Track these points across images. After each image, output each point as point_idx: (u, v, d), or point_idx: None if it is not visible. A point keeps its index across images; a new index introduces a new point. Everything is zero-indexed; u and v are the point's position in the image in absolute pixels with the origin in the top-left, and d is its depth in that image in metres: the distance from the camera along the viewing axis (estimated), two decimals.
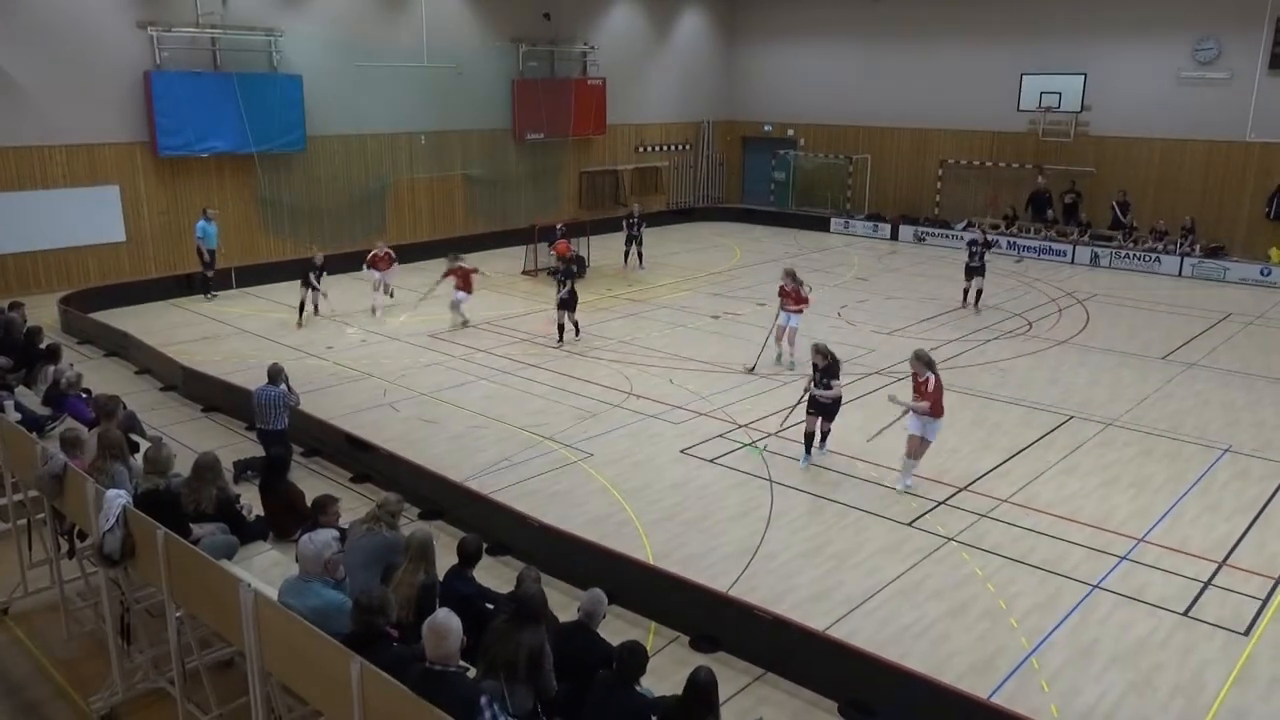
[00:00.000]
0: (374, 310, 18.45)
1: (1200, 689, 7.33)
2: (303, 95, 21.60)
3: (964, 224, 27.66)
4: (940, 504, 10.47)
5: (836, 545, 9.48)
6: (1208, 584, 8.87)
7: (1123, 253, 24.36)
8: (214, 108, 20.30)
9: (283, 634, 5.31)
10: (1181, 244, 23.96)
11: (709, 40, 32.02)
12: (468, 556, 6.52)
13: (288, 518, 7.64)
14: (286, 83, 21.36)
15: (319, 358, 15.63)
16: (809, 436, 11.50)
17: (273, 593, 5.68)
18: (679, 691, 5.39)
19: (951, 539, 9.63)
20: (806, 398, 11.56)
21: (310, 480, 10.38)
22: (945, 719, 6.70)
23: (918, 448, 10.70)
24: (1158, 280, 23.05)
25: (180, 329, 17.34)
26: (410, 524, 8.42)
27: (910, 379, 10.95)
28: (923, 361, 10.63)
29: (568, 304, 16.41)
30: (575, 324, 16.64)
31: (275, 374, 10.38)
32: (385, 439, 11.64)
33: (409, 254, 23.51)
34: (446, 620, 4.83)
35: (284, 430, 10.34)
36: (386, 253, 18.95)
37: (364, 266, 19.20)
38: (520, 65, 26.21)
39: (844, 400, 11.79)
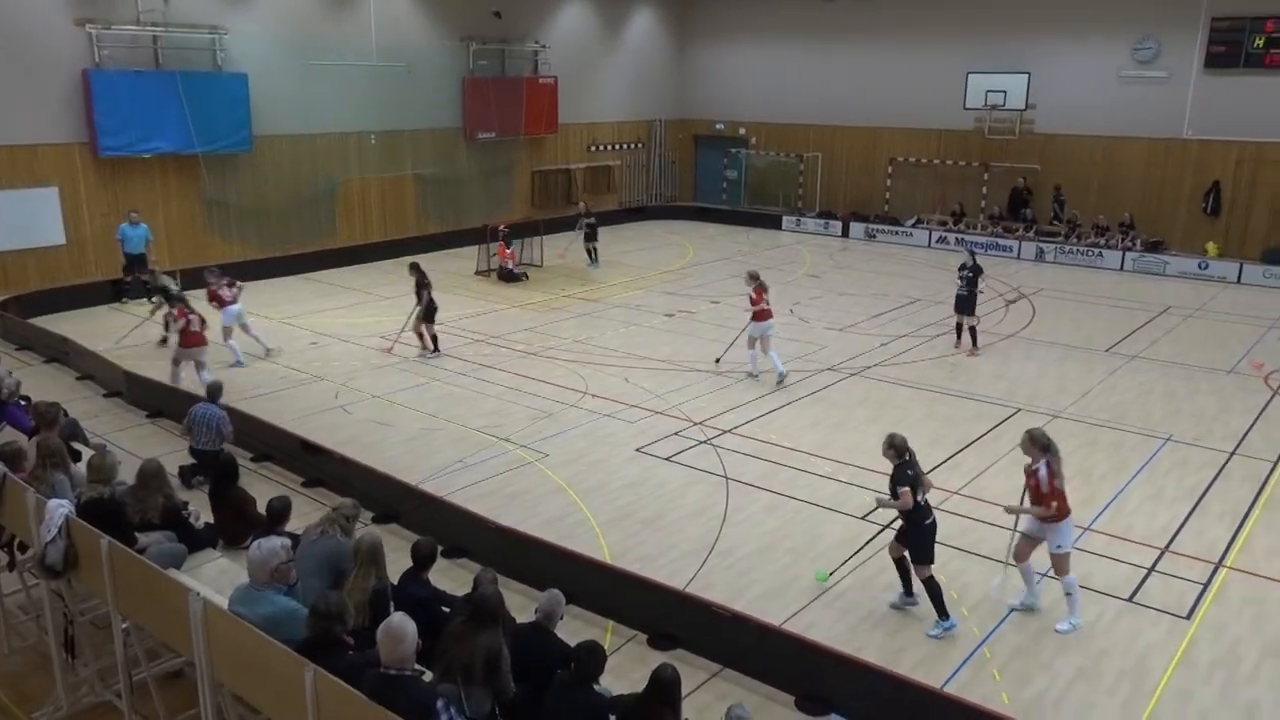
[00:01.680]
0: (266, 351, 15.58)
1: (1145, 673, 7.51)
2: (248, 94, 21.22)
3: (913, 220, 28.06)
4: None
5: (792, 540, 9.56)
6: (1151, 570, 9.10)
7: (1067, 248, 24.88)
8: (156, 107, 19.85)
9: (234, 643, 5.23)
10: (1123, 239, 24.55)
11: (660, 39, 32.08)
12: (422, 559, 6.48)
13: (239, 524, 7.54)
14: (231, 81, 20.98)
15: (268, 361, 15.39)
16: (899, 564, 8.41)
17: (223, 601, 5.59)
18: (638, 690, 5.41)
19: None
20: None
21: (261, 486, 10.21)
22: (900, 709, 6.80)
23: (1025, 550, 8.25)
24: (1101, 274, 23.57)
25: (123, 333, 16.96)
26: (365, 528, 8.34)
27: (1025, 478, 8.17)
28: (1038, 445, 7.98)
29: (428, 314, 15.54)
30: (434, 337, 15.63)
31: (213, 392, 10.19)
32: (338, 442, 11.51)
33: (361, 255, 23.35)
34: (402, 624, 4.80)
35: (218, 453, 9.91)
36: (228, 281, 15.36)
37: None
38: (471, 64, 26.03)
39: (806, 396, 11.83)
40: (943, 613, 7.94)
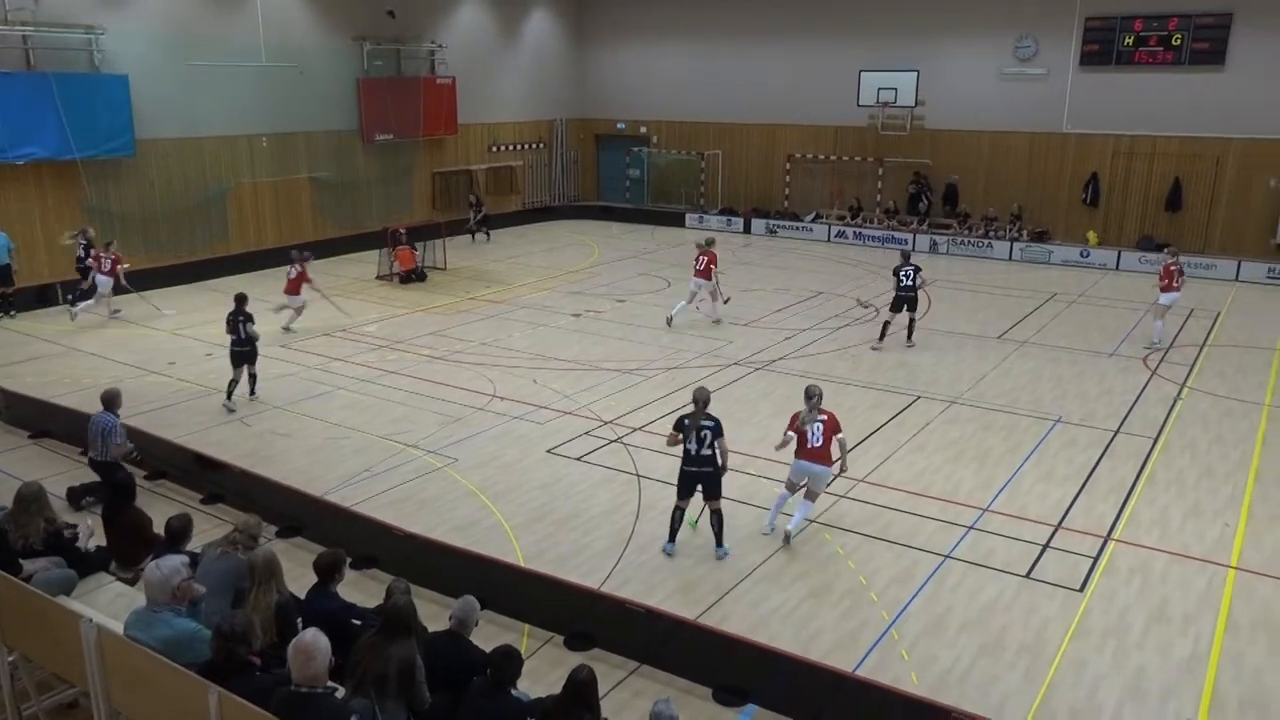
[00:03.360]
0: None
1: (1043, 645, 7.85)
2: (130, 97, 20.33)
3: (812, 216, 28.66)
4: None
5: (704, 535, 9.66)
6: (1046, 546, 9.51)
7: (959, 239, 25.78)
8: (30, 111, 18.82)
9: (131, 669, 5.02)
10: (1010, 229, 25.57)
11: (559, 38, 31.99)
12: (326, 572, 6.32)
13: (135, 546, 7.24)
14: (111, 83, 20.06)
15: (160, 374, 14.80)
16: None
17: (118, 626, 5.36)
18: (556, 692, 5.39)
19: (813, 521, 9.97)
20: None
21: (158, 505, 9.81)
22: (814, 695, 6.94)
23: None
24: (991, 264, 24.50)
25: (2, 350, 16.10)
26: (269, 543, 8.11)
27: None
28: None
29: (246, 356, 13.25)
30: (253, 377, 13.48)
31: (109, 400, 9.76)
32: (237, 456, 11.15)
33: (256, 261, 22.63)
34: (314, 640, 4.68)
35: (114, 466, 9.47)
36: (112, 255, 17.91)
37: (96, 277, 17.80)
38: (365, 64, 25.49)
39: (713, 391, 11.94)
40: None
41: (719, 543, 9.24)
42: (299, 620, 5.93)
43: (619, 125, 32.61)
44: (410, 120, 26.41)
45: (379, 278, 21.89)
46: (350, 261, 23.57)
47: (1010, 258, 24.98)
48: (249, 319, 13.15)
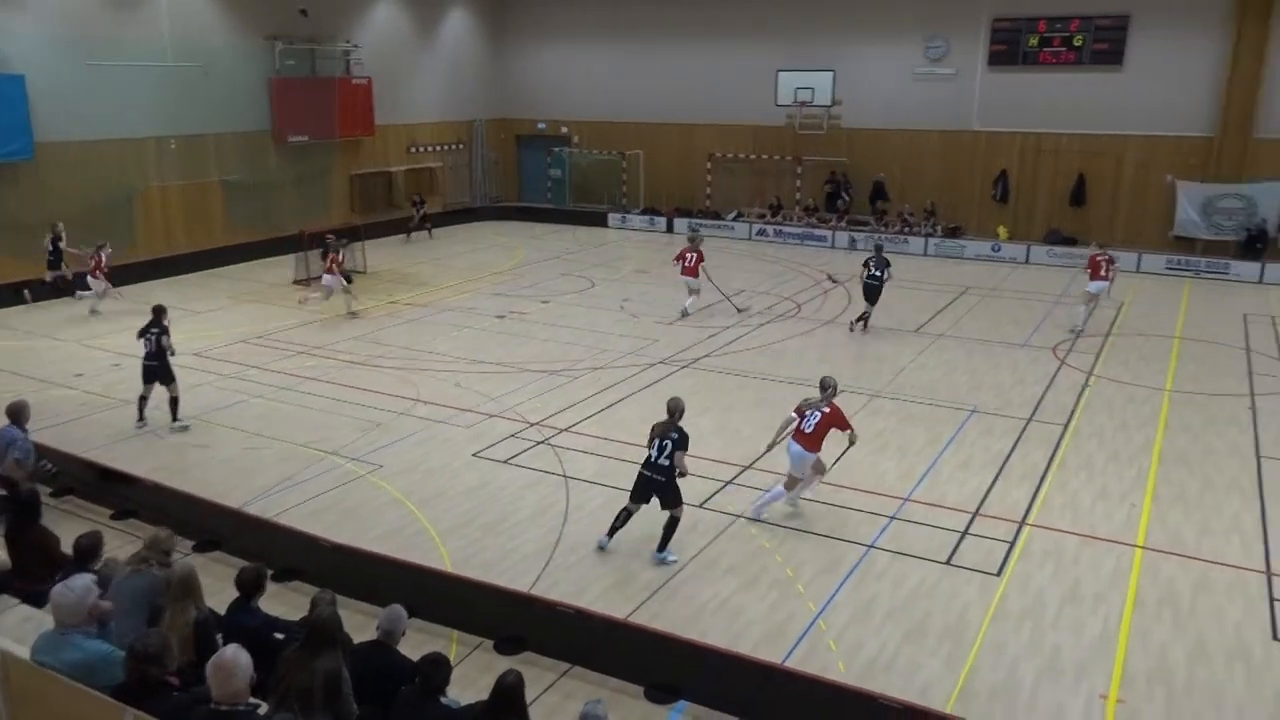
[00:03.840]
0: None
1: (964, 629, 8.07)
2: (26, 98, 19.49)
3: (734, 214, 28.95)
4: (728, 483, 10.93)
5: (633, 533, 9.67)
6: (964, 533, 9.78)
7: (876, 235, 26.32)
8: None
9: (39, 695, 4.83)
10: (924, 225, 26.22)
11: (476, 38, 31.69)
12: (247, 587, 6.17)
13: (42, 567, 6.94)
14: (5, 84, 19.19)
15: (67, 387, 14.23)
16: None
17: (24, 651, 5.13)
18: (487, 698, 5.35)
19: (740, 516, 10.08)
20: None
21: (65, 523, 9.41)
22: (744, 688, 7.02)
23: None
24: (907, 259, 25.03)
25: None
26: (184, 557, 7.87)
27: None
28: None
29: (157, 372, 12.35)
30: (173, 401, 12.48)
31: (14, 413, 9.34)
32: (149, 470, 10.79)
33: (165, 268, 21.92)
34: (234, 657, 4.56)
35: (15, 483, 9.14)
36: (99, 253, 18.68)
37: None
38: (277, 64, 24.86)
39: (640, 390, 12.00)
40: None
41: (661, 547, 9.15)
42: (219, 637, 5.77)
43: (539, 125, 32.47)
44: (325, 121, 25.86)
45: (296, 282, 21.39)
46: (265, 266, 23.00)
47: (925, 253, 25.61)
48: (164, 331, 12.44)
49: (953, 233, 26.01)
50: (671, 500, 9.07)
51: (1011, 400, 13.86)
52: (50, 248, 19.11)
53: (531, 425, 12.72)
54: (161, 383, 12.53)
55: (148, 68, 21.77)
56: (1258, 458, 11.77)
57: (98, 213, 21.32)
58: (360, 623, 7.36)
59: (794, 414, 9.89)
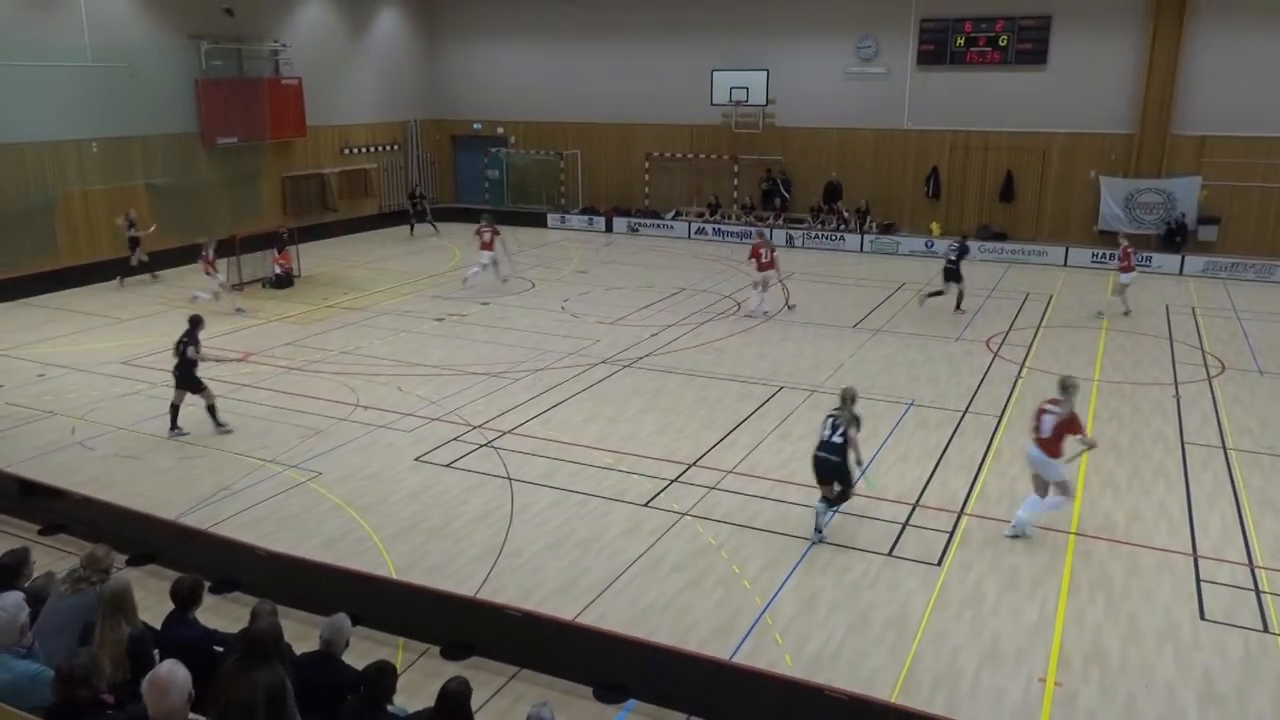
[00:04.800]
0: None
1: (907, 619, 8.22)
2: None
3: (673, 213, 29.07)
4: (673, 481, 10.97)
5: (579, 534, 9.68)
6: (906, 525, 9.95)
7: (814, 233, 26.66)
8: None
9: None
10: (857, 223, 26.62)
11: (409, 38, 31.31)
12: (183, 599, 6.00)
13: None
14: None
15: None
16: None
17: None
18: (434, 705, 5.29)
19: (686, 514, 10.13)
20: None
21: None
22: (693, 686, 7.05)
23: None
24: (844, 256, 25.45)
25: None
26: (119, 572, 7.64)
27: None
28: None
29: (182, 380, 12.18)
30: (210, 410, 12.33)
31: None
32: (79, 483, 10.45)
33: (90, 275, 21.27)
34: (170, 673, 4.43)
35: None
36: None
37: None
38: (204, 64, 24.25)
39: (582, 390, 11.98)
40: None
41: (820, 528, 9.50)
42: (155, 652, 5.60)
43: (475, 126, 32.20)
44: (255, 122, 25.30)
45: (232, 287, 20.86)
46: (196, 271, 22.36)
47: (861, 250, 26.01)
48: (190, 341, 12.09)
49: (887, 229, 26.46)
50: (845, 479, 9.48)
51: (948, 393, 14.14)
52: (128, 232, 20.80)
53: (474, 428, 12.62)
54: (191, 391, 12.24)
55: (66, 68, 21.07)
56: (1182, 444, 12.19)
57: (14, 219, 20.57)
58: (303, 633, 7.21)
59: (1033, 418, 9.74)
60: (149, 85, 22.82)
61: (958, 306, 18.92)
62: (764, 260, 18.22)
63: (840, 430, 9.39)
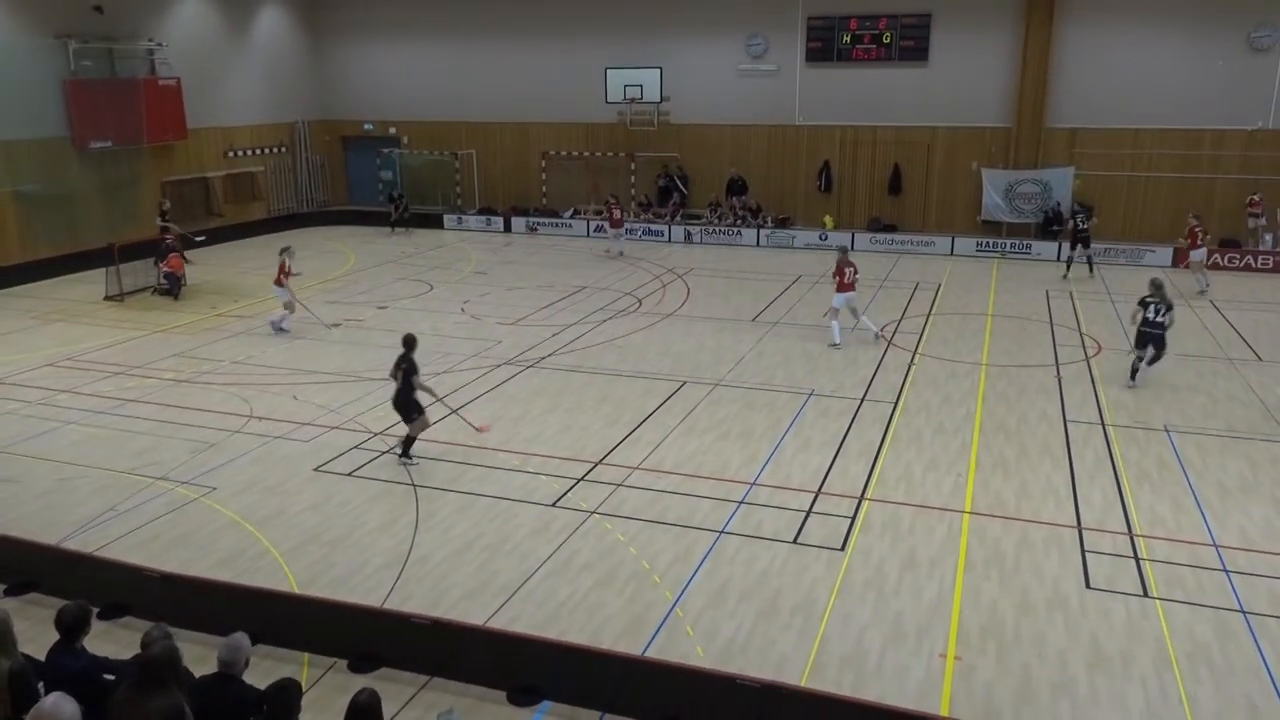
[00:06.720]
0: None
1: (813, 604, 8.40)
2: None
3: (570, 212, 29.02)
4: (580, 480, 10.96)
5: (487, 537, 9.58)
6: (809, 512, 10.17)
7: (711, 229, 26.98)
8: None
9: None
10: (754, 218, 27.06)
11: (294, 37, 30.40)
12: (68, 627, 5.71)
13: None
14: None
15: None
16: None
17: None
18: None
19: (594, 512, 10.13)
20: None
21: None
22: (606, 683, 7.06)
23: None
24: (741, 251, 25.82)
25: None
26: None
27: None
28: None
29: (396, 405, 11.45)
30: (408, 440, 11.49)
31: None
32: None
33: None
34: (55, 706, 4.22)
35: None
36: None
37: None
38: (73, 64, 23.05)
39: (486, 392, 11.84)
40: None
41: (1135, 374, 14.01)
42: (40, 685, 5.32)
43: (366, 126, 31.49)
44: (131, 125, 24.20)
45: (108, 298, 19.94)
46: (71, 283, 21.36)
47: (758, 244, 26.45)
48: (402, 362, 11.28)
49: (782, 223, 26.96)
50: (1161, 347, 13.77)
51: (845, 382, 14.50)
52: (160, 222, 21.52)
53: (375, 435, 12.36)
54: (405, 419, 11.45)
55: None
56: (1064, 422, 12.79)
57: None
58: (201, 654, 6.95)
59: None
60: (12, 87, 21.57)
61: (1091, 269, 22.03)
62: (845, 281, 16.32)
63: (1163, 312, 13.41)
